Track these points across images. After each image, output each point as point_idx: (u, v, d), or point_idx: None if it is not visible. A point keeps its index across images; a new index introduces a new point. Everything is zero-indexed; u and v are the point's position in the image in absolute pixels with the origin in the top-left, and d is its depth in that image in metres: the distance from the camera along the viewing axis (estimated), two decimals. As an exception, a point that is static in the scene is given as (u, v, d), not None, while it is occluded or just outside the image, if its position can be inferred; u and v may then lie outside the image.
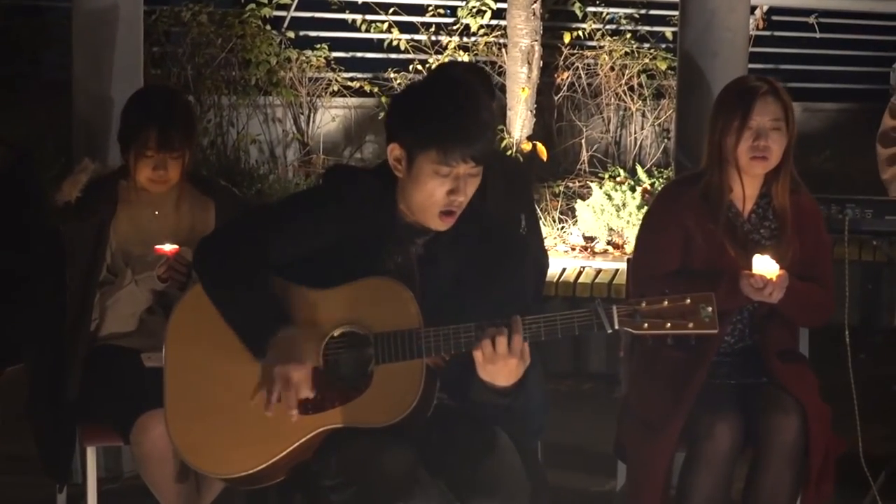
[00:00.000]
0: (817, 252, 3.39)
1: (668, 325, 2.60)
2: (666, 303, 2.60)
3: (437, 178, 2.65)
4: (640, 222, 3.61)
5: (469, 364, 2.64)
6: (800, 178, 3.42)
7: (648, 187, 6.77)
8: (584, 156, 7.49)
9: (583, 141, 7.55)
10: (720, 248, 3.31)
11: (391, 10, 7.53)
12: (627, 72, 7.54)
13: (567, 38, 7.51)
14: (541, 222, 5.01)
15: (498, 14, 7.45)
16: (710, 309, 2.60)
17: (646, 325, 2.60)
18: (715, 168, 3.35)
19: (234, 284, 2.69)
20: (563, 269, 5.75)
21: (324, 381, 2.68)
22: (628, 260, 3.65)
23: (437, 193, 2.66)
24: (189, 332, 2.77)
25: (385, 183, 2.75)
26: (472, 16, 7.47)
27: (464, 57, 7.39)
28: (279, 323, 2.64)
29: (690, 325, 2.60)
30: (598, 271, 5.74)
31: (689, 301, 2.60)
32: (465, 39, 7.52)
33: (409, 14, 7.59)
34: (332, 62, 7.49)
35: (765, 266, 3.18)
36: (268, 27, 7.33)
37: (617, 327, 2.60)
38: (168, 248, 3.44)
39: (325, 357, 2.69)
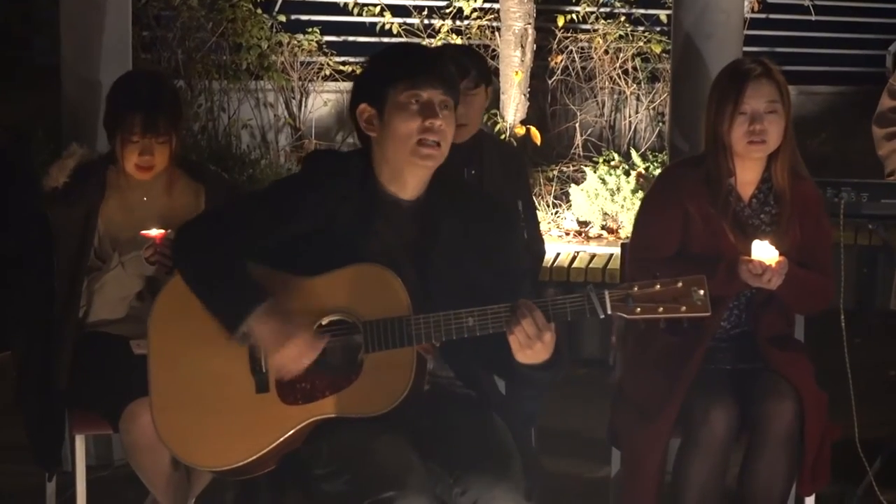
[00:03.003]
0: (818, 239, 3.36)
1: (661, 309, 2.59)
2: (658, 287, 2.59)
3: (409, 108, 2.66)
4: (634, 206, 3.58)
5: (476, 349, 2.66)
6: (804, 166, 3.38)
7: (643, 171, 6.74)
8: (579, 140, 7.47)
9: (577, 125, 7.52)
10: (720, 232, 3.28)
11: (383, -6, 7.49)
12: (622, 55, 7.51)
13: (561, 21, 7.47)
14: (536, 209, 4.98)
15: (491, -3, 7.42)
16: (701, 292, 2.58)
17: (638, 309, 2.59)
18: (712, 153, 3.31)
19: (211, 267, 2.67)
20: (558, 255, 5.72)
21: (313, 370, 2.65)
22: (623, 245, 3.62)
23: (412, 124, 2.67)
24: (173, 321, 2.73)
25: (365, 162, 2.75)
26: (464, -1, 7.43)
27: (456, 40, 7.35)
28: (252, 304, 2.60)
29: (683, 308, 2.59)
30: (593, 256, 5.71)
31: (680, 284, 2.59)
32: (457, 23, 7.48)
33: (401, -3, 7.55)
34: (324, 46, 7.45)
35: (764, 252, 3.16)
36: (259, 11, 7.29)
37: (609, 312, 2.59)
38: (154, 232, 3.42)
39: (314, 346, 2.67)
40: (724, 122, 3.26)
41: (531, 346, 2.56)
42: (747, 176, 3.34)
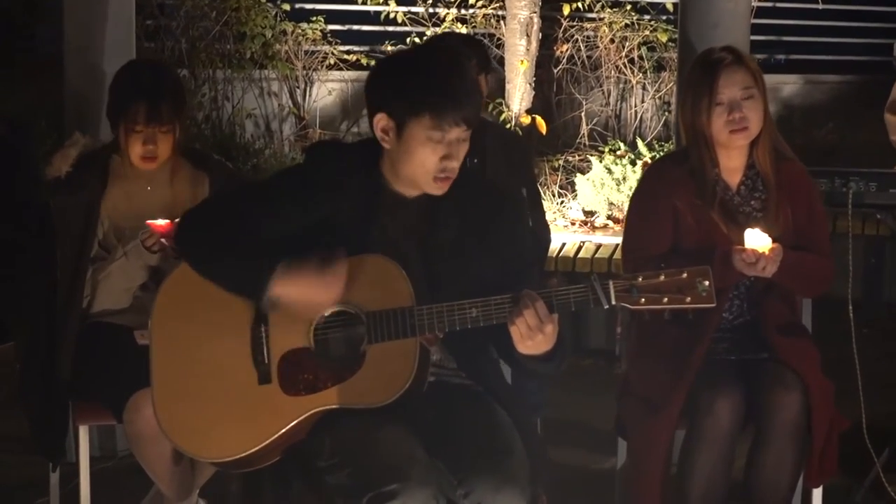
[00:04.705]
0: (811, 220, 3.34)
1: (666, 299, 2.58)
2: (662, 277, 2.58)
3: (429, 144, 2.62)
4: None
5: (485, 335, 2.65)
6: (788, 147, 3.37)
7: (649, 161, 6.72)
8: (584, 129, 7.45)
9: (582, 114, 7.50)
10: (711, 224, 3.26)
11: (388, -18, 7.46)
12: (628, 44, 7.48)
13: (566, 9, 7.44)
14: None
15: (496, -15, 7.38)
16: (706, 283, 2.58)
17: (643, 299, 2.58)
18: (694, 147, 3.29)
19: (219, 246, 2.65)
20: (563, 244, 5.71)
21: (315, 362, 2.64)
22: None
23: (430, 161, 2.63)
24: (176, 313, 2.71)
25: (370, 155, 2.72)
26: (469, -13, 7.40)
27: (462, 29, 7.33)
28: (272, 265, 2.58)
29: (688, 299, 2.58)
30: (598, 246, 5.70)
31: (685, 275, 2.59)
32: (462, 11, 7.45)
33: (406, -14, 7.53)
34: (329, 35, 7.43)
35: (756, 240, 3.14)
36: (263, -1, 7.28)
37: (614, 302, 2.58)
38: (161, 222, 3.40)
39: (317, 337, 2.65)
40: (701, 114, 3.24)
41: (532, 337, 2.55)
42: (732, 164, 3.32)
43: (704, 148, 3.27)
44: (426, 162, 2.63)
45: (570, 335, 5.56)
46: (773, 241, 3.15)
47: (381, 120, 2.66)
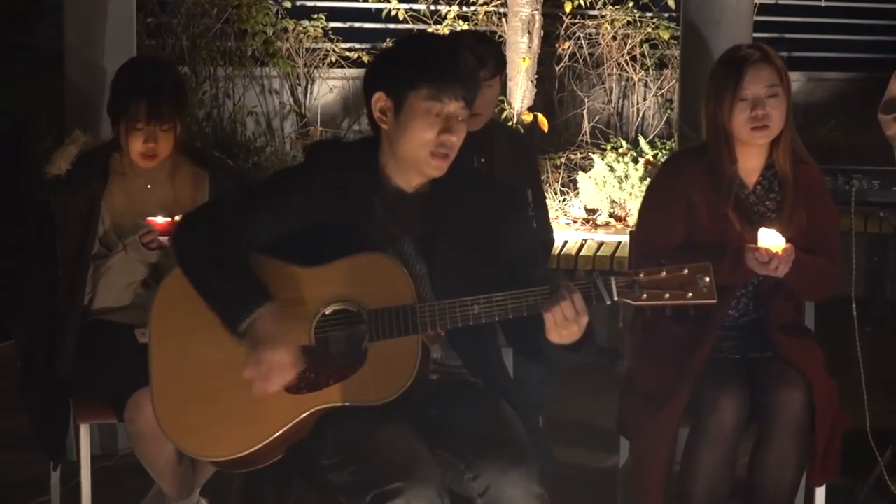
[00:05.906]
0: (824, 224, 3.33)
1: (667, 295, 2.59)
2: (664, 273, 2.59)
3: (428, 117, 2.62)
4: (642, 194, 3.56)
5: (486, 336, 2.67)
6: (805, 149, 3.36)
7: (651, 159, 6.71)
8: (586, 127, 7.43)
9: (584, 112, 7.48)
10: (725, 221, 3.25)
11: (389, -21, 7.44)
12: (630, 41, 7.47)
13: (568, 7, 7.41)
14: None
15: (498, -17, 7.37)
16: (707, 279, 2.58)
17: (644, 295, 2.59)
18: (714, 143, 3.28)
19: (212, 264, 2.64)
20: (565, 242, 5.70)
21: (317, 360, 2.63)
22: (631, 232, 3.60)
23: (429, 135, 2.63)
24: (177, 309, 2.70)
25: (369, 151, 2.72)
26: (471, -16, 7.39)
27: (463, 26, 7.31)
28: (257, 303, 2.58)
29: (689, 295, 2.59)
30: (601, 244, 5.69)
31: (686, 272, 2.59)
32: (464, 9, 7.43)
33: (407, -17, 7.51)
34: (330, 32, 7.41)
35: (770, 239, 3.13)
36: (264, -4, 7.25)
37: (616, 299, 2.58)
38: (161, 220, 3.40)
39: (317, 335, 2.64)
40: (724, 110, 3.24)
41: (568, 327, 2.55)
42: (750, 163, 3.31)
43: (724, 144, 3.26)
44: (424, 135, 2.63)
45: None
46: (787, 243, 3.14)
47: (380, 100, 2.67)
